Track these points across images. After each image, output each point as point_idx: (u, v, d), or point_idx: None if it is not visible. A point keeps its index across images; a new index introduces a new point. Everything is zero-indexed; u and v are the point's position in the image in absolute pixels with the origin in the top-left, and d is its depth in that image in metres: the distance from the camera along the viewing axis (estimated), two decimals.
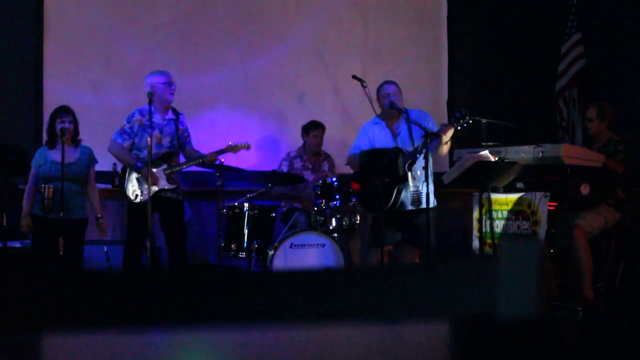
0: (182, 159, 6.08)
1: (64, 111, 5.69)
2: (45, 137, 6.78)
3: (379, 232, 5.56)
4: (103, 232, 5.81)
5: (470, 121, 5.30)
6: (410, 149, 5.49)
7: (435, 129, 5.42)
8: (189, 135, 6.11)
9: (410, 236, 5.62)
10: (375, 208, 5.52)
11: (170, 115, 6.01)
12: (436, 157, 5.63)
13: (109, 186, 6.74)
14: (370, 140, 5.65)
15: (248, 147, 6.01)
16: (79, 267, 5.76)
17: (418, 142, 5.49)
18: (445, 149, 5.46)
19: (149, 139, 5.62)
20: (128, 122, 5.94)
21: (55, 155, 5.64)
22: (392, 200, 5.40)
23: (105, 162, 6.60)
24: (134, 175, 5.86)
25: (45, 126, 6.81)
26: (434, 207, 5.42)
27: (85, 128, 6.62)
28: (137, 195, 5.86)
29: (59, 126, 5.62)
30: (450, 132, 5.29)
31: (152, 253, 5.54)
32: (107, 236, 5.97)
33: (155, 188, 5.79)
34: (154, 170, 5.79)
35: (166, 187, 5.88)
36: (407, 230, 5.60)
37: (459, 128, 5.29)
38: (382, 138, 5.62)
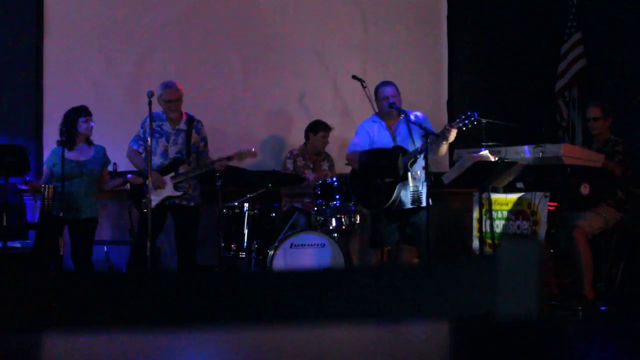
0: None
1: (87, 110, 5.77)
2: (43, 135, 6.81)
3: (379, 231, 5.58)
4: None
5: (475, 122, 5.33)
6: (410, 148, 5.52)
7: (433, 131, 5.45)
8: (205, 145, 6.11)
9: (408, 235, 5.63)
10: (373, 205, 5.56)
11: (182, 125, 6.01)
12: (435, 158, 5.66)
13: None
14: (370, 138, 5.66)
15: (254, 155, 6.04)
16: (87, 267, 5.78)
17: (418, 142, 5.50)
18: (444, 149, 5.51)
19: (148, 138, 5.64)
20: (141, 127, 5.99)
21: (71, 154, 5.70)
22: (392, 199, 5.43)
23: None
24: (146, 181, 5.83)
25: (45, 125, 6.83)
26: (430, 206, 5.48)
27: None
28: (144, 203, 5.79)
29: (84, 126, 5.70)
30: (453, 134, 5.35)
31: (152, 254, 5.54)
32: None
33: (161, 194, 5.80)
34: (162, 177, 5.83)
35: (172, 195, 5.89)
36: (405, 230, 5.62)
37: (463, 129, 5.34)
38: (382, 137, 5.64)
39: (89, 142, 5.82)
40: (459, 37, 7.70)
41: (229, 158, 5.91)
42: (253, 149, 6.03)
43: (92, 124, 5.75)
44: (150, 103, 5.65)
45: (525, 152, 5.64)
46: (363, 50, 7.49)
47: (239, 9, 7.30)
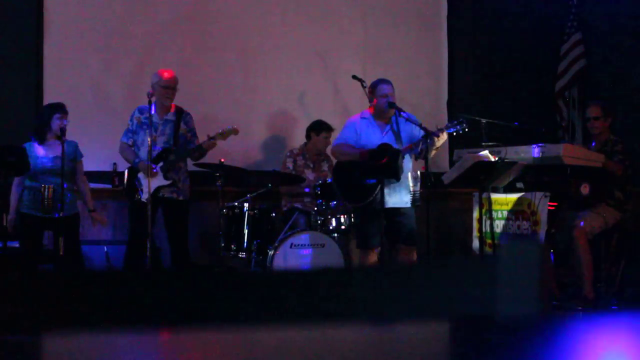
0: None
1: (62, 108, 5.69)
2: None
3: (365, 232, 5.59)
4: (101, 223, 5.85)
5: (467, 129, 5.35)
6: (397, 147, 5.52)
7: (419, 134, 5.45)
8: (193, 136, 6.10)
9: (400, 235, 5.60)
10: (355, 200, 5.57)
11: (170, 116, 6.02)
12: (433, 158, 5.68)
13: (109, 186, 6.74)
14: (357, 134, 5.65)
15: (236, 132, 5.99)
16: (79, 263, 5.77)
17: (405, 142, 5.51)
18: (433, 153, 5.51)
19: (148, 138, 5.65)
20: (130, 120, 6.01)
21: (42, 151, 5.65)
22: (373, 196, 5.41)
23: (105, 162, 6.61)
24: (138, 174, 5.91)
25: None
26: (416, 206, 5.58)
27: (85, 128, 6.64)
28: (136, 195, 5.91)
29: (57, 123, 5.63)
30: (443, 139, 5.37)
31: (153, 253, 5.54)
32: (107, 225, 5.95)
33: (151, 184, 5.80)
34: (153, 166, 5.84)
35: (163, 184, 5.89)
36: (392, 229, 5.58)
37: (454, 134, 5.36)
38: (369, 134, 5.62)
39: (60, 138, 5.63)
40: (459, 37, 7.69)
41: (213, 137, 5.88)
42: (235, 126, 5.98)
43: (65, 122, 5.64)
44: (149, 102, 5.65)
45: (525, 152, 5.64)
46: (363, 50, 7.49)
47: (238, 9, 7.30)
